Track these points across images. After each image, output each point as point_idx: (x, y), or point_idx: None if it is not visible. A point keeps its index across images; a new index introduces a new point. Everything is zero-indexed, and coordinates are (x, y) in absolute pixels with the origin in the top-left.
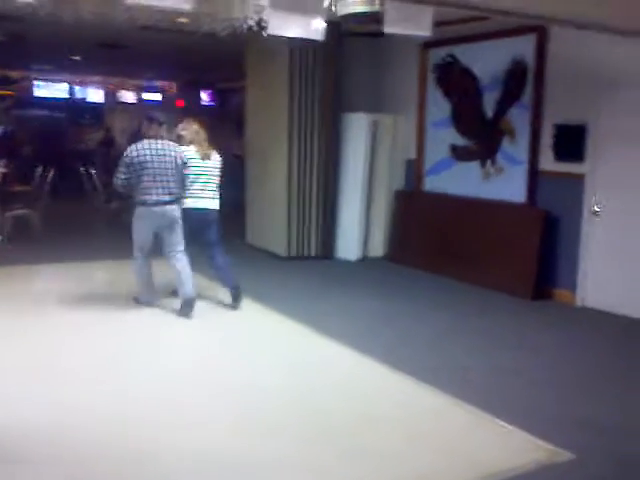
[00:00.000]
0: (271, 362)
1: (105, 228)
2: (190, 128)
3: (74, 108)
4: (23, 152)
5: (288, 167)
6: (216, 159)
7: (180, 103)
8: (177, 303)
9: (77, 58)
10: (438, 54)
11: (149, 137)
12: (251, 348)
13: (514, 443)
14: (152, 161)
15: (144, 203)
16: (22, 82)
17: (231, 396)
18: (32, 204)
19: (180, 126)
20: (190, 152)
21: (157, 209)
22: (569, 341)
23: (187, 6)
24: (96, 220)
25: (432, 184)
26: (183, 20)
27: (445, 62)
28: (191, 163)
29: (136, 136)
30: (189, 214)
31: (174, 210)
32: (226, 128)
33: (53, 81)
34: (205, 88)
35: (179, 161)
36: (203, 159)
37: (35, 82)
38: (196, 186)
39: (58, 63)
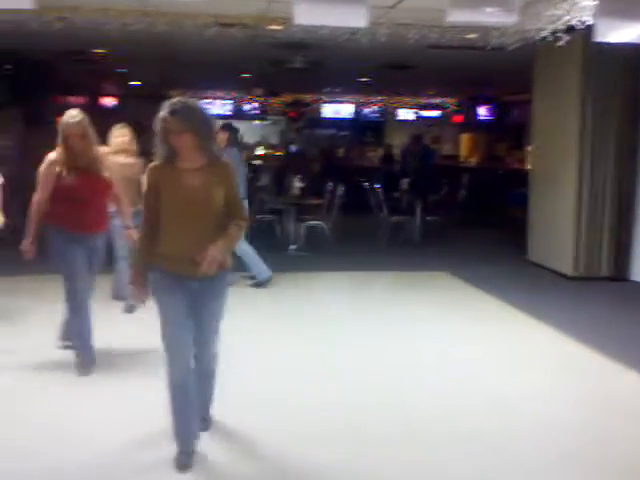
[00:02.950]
0: (559, 389)
1: (386, 241)
2: None
3: (357, 127)
4: (313, 168)
5: (578, 180)
6: None
7: (458, 119)
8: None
9: (365, 80)
10: None
11: (232, 145)
12: (535, 370)
13: None
14: (242, 165)
15: None
16: (313, 104)
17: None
18: (323, 216)
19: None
20: None
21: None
22: None
23: (511, 19)
24: (379, 233)
25: None
26: (472, 36)
27: None
28: None
29: (406, 152)
30: None
31: None
32: (505, 142)
33: (339, 102)
34: (485, 102)
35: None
36: None
37: (324, 104)
38: None
39: (346, 85)
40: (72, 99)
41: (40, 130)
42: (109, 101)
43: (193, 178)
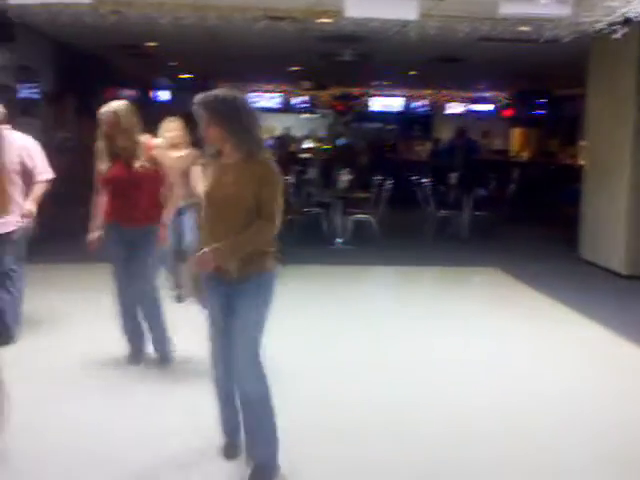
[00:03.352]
0: (610, 388)
1: (433, 236)
2: None
3: (405, 120)
4: (361, 162)
5: (632, 177)
6: None
7: (509, 113)
8: None
9: (414, 73)
10: None
11: None
12: (585, 369)
13: None
14: None
15: None
16: (361, 98)
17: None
18: (371, 210)
19: None
20: None
21: None
22: None
23: (565, 11)
24: (426, 228)
25: None
26: (525, 28)
27: None
28: None
29: (451, 146)
30: None
31: None
32: (557, 137)
33: (387, 96)
34: (537, 96)
35: None
36: None
37: (371, 97)
38: None
39: (394, 78)
40: (124, 92)
41: (93, 122)
42: (160, 94)
43: (227, 174)
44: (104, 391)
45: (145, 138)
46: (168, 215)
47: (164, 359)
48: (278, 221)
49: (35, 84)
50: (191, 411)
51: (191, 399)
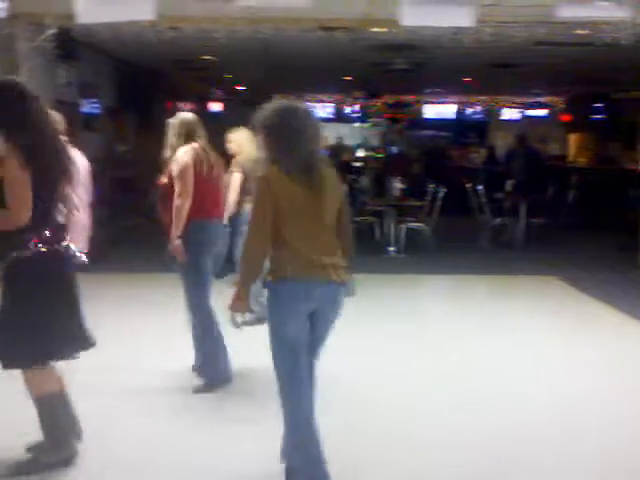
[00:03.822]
0: None
1: (488, 244)
2: None
3: (459, 127)
4: (414, 170)
5: None
6: None
7: (566, 118)
8: None
9: (468, 79)
10: None
11: None
12: None
13: None
14: None
15: None
16: (414, 105)
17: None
18: (425, 218)
19: None
20: None
21: None
22: None
23: (624, 13)
24: (481, 235)
25: None
26: (582, 32)
27: None
28: None
29: (511, 153)
30: None
31: None
32: (617, 141)
33: (441, 102)
34: (595, 100)
35: None
36: None
37: (425, 104)
38: None
39: (448, 85)
40: (182, 105)
41: (152, 135)
42: (216, 106)
43: None
44: (169, 401)
45: (181, 150)
46: (177, 230)
47: (206, 386)
48: (255, 237)
49: (96, 99)
50: (253, 422)
51: (254, 413)
